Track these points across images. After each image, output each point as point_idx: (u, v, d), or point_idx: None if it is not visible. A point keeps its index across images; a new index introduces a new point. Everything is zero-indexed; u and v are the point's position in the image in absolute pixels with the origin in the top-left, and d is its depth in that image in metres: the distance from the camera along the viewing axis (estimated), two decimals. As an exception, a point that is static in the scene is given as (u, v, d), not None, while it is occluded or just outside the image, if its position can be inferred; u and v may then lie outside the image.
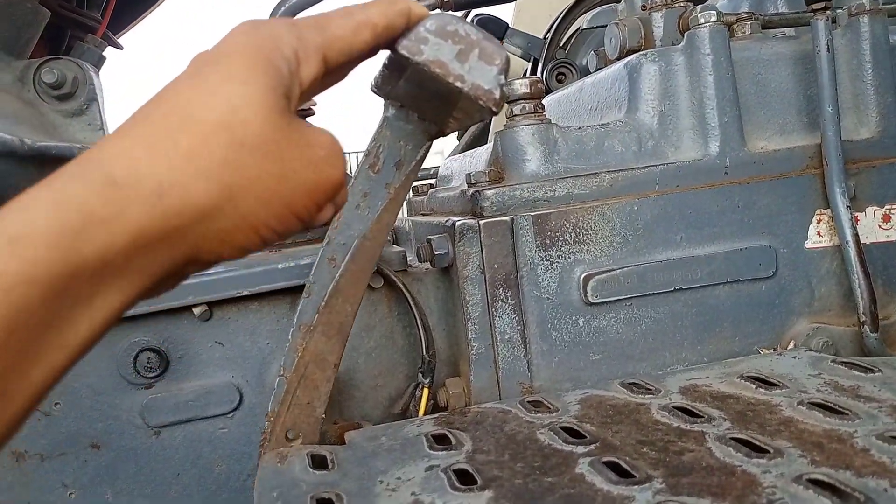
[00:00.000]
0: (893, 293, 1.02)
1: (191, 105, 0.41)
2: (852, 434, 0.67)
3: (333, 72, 0.51)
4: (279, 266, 0.95)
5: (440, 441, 0.79)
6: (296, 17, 0.49)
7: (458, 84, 0.57)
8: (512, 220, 0.95)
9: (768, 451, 0.65)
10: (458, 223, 0.95)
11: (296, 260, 0.96)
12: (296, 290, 0.96)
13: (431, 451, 0.76)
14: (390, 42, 0.55)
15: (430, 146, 0.79)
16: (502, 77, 0.57)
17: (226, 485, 0.97)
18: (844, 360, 0.88)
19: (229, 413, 0.97)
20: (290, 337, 0.80)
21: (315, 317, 0.80)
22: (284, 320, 0.97)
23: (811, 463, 0.62)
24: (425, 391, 0.96)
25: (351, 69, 0.54)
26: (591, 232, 0.97)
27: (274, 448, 0.79)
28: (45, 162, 0.90)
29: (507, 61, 0.58)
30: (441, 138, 0.83)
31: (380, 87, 0.71)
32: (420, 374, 0.97)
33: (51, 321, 0.36)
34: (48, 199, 0.36)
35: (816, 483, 0.58)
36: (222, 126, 0.40)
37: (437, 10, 0.59)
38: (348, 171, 0.61)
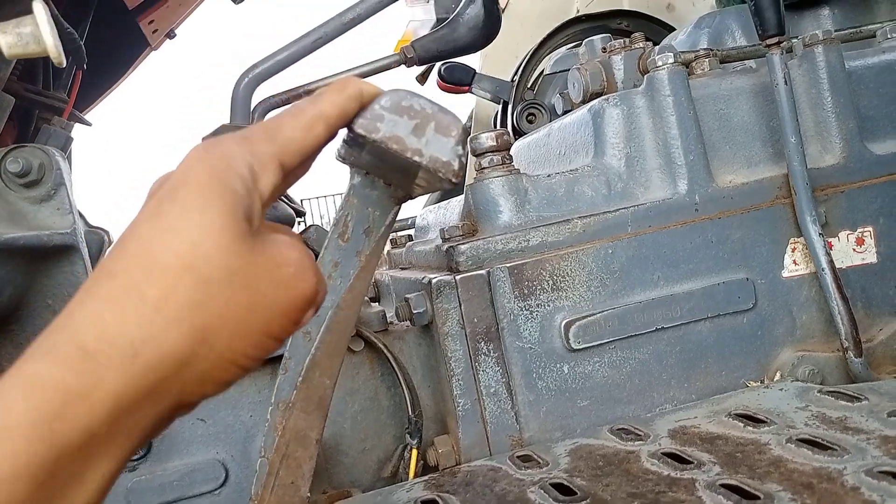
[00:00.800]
0: (874, 315, 1.02)
1: (152, 249, 0.40)
2: (842, 472, 0.66)
3: (294, 171, 0.50)
4: (258, 336, 0.94)
5: (429, 507, 0.78)
6: (255, 124, 0.49)
7: (415, 159, 0.57)
8: (488, 272, 0.94)
9: (759, 497, 0.64)
10: (434, 280, 0.95)
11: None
12: (276, 361, 0.95)
13: (421, 520, 0.75)
14: (346, 123, 0.55)
15: (398, 210, 0.79)
16: (460, 148, 0.58)
17: (217, 565, 0.94)
18: (831, 389, 0.88)
19: (216, 490, 0.95)
20: (268, 416, 0.78)
21: (293, 393, 0.78)
22: (266, 391, 0.96)
23: (802, 507, 0.62)
24: (414, 452, 0.94)
25: (312, 161, 0.54)
26: (568, 278, 0.96)
27: (260, 531, 0.77)
28: (14, 253, 0.89)
29: (465, 132, 0.59)
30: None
31: (343, 157, 0.71)
32: (408, 435, 0.95)
33: None
34: (23, 384, 0.36)
35: (808, 530, 0.57)
36: (186, 267, 0.40)
37: (393, 87, 0.59)
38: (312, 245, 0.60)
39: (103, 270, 0.41)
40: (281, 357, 0.85)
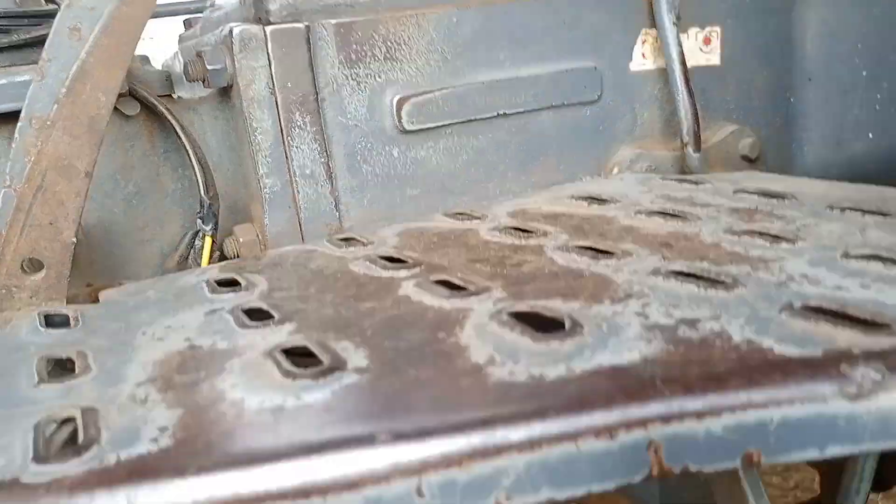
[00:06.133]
0: (709, 118, 0.99)
1: None
2: (698, 233, 0.61)
3: None
4: (-12, 83, 0.69)
5: (226, 285, 0.62)
6: None
7: None
8: (308, 27, 0.77)
9: (615, 253, 0.57)
10: (236, 29, 0.75)
11: (9, 77, 0.71)
12: (14, 117, 0.72)
13: (214, 296, 0.60)
14: None
15: None
16: None
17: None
18: (673, 176, 0.84)
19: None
20: (16, 134, 0.57)
21: (53, 108, 0.57)
22: (3, 160, 0.73)
23: (663, 259, 0.55)
24: (207, 240, 0.77)
25: None
26: (404, 47, 0.81)
27: (5, 282, 0.58)
28: None
29: None
30: None
31: None
32: (199, 221, 0.78)
33: None
34: None
35: (678, 273, 0.50)
36: None
37: None
38: None
39: None
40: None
